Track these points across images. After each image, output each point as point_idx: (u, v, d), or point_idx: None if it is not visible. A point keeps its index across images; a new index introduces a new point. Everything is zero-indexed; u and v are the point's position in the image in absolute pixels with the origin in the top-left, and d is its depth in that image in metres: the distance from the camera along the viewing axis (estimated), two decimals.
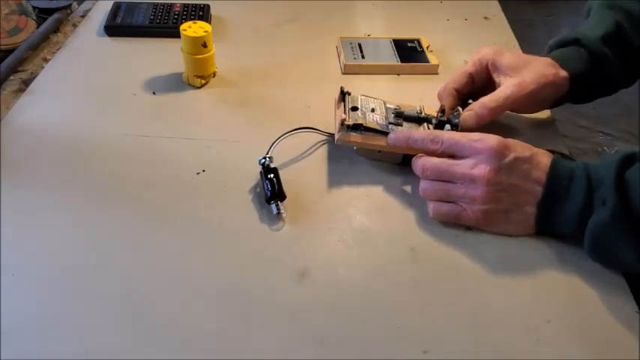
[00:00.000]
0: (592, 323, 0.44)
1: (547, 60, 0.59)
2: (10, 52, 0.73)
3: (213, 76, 0.71)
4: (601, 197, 0.46)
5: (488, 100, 0.56)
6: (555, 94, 0.58)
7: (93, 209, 0.52)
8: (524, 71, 0.57)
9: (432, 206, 0.52)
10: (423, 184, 0.52)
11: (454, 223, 0.52)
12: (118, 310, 0.44)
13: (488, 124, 0.62)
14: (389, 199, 0.55)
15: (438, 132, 0.53)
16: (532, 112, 0.62)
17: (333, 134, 0.58)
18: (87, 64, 0.72)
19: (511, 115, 0.63)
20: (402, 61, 0.74)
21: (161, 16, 0.80)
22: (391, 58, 0.75)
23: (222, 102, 0.67)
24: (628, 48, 0.59)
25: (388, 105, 0.60)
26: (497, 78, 0.58)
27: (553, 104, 0.61)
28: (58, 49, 0.75)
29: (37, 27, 0.78)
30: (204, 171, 0.57)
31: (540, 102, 0.59)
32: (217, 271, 0.47)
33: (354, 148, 0.59)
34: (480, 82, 0.61)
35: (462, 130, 0.57)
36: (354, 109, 0.58)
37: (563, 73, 0.58)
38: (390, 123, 0.57)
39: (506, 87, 0.56)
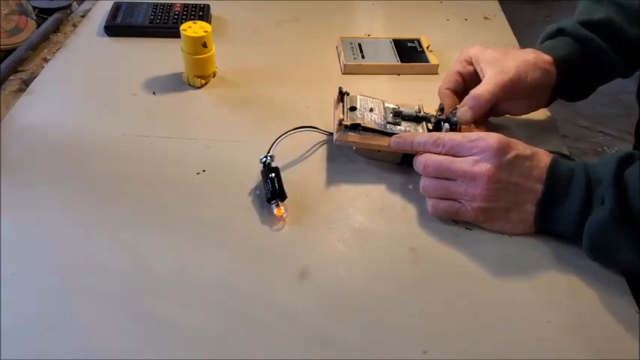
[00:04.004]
0: (592, 323, 0.44)
1: (528, 49, 0.60)
2: (10, 52, 0.73)
3: (213, 76, 0.71)
4: (600, 196, 0.46)
5: (477, 91, 0.56)
6: (543, 79, 0.58)
7: (93, 209, 0.52)
8: (506, 60, 0.58)
9: (431, 203, 0.52)
10: (424, 182, 0.52)
11: (453, 219, 0.52)
12: (117, 310, 0.43)
13: (489, 125, 0.62)
14: (389, 198, 0.55)
15: (440, 134, 0.53)
16: (528, 110, 0.62)
17: (333, 133, 0.58)
18: (87, 64, 0.72)
19: (511, 116, 0.63)
20: (402, 61, 0.74)
21: (161, 16, 0.80)
22: (391, 58, 0.75)
23: (222, 102, 0.67)
24: (622, 37, 0.60)
25: (387, 105, 0.60)
26: (481, 72, 0.59)
27: (548, 98, 0.61)
28: (58, 49, 0.75)
29: (37, 27, 0.78)
30: (204, 171, 0.57)
31: (530, 91, 0.58)
32: (217, 270, 0.47)
33: (353, 147, 0.59)
34: (469, 79, 0.61)
35: (462, 127, 0.58)
36: (353, 109, 0.58)
37: (547, 57, 0.58)
38: (389, 123, 0.57)
39: (490, 76, 0.57)
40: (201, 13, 0.81)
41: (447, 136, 0.52)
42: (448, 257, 0.49)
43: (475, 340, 0.43)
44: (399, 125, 0.58)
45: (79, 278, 0.46)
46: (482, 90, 0.56)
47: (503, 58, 0.58)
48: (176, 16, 0.80)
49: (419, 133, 0.56)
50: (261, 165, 0.55)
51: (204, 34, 0.65)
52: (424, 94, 0.67)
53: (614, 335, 0.44)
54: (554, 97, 0.62)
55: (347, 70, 0.73)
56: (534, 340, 0.43)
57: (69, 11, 0.84)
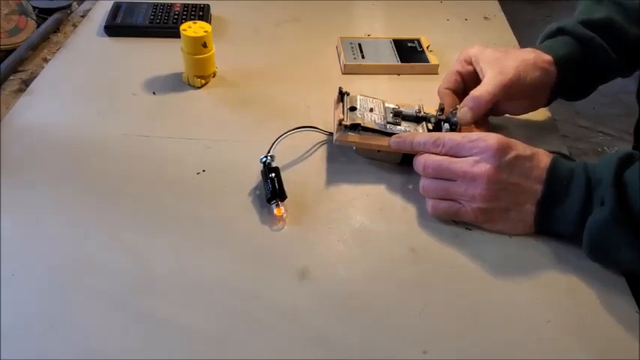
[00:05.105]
0: (592, 323, 0.44)
1: (528, 48, 0.60)
2: (10, 52, 0.73)
3: (213, 76, 0.71)
4: (600, 197, 0.46)
5: (476, 92, 0.56)
6: (543, 79, 0.58)
7: (93, 209, 0.52)
8: (505, 60, 0.58)
9: (430, 203, 0.52)
10: (424, 182, 0.52)
11: (453, 219, 0.52)
12: (117, 310, 0.44)
13: (489, 125, 0.62)
14: (389, 198, 0.55)
15: (440, 134, 0.53)
16: (528, 110, 0.62)
17: (333, 133, 0.58)
18: (87, 64, 0.72)
19: (511, 116, 0.63)
20: (402, 61, 0.74)
21: (161, 16, 0.80)
22: (391, 58, 0.75)
23: (222, 102, 0.67)
24: (622, 37, 0.60)
25: (387, 105, 0.60)
26: (480, 72, 0.59)
27: (547, 98, 0.61)
28: (58, 49, 0.75)
29: (37, 27, 0.78)
30: (204, 171, 0.57)
31: (530, 91, 0.58)
32: (217, 271, 0.47)
33: (353, 147, 0.59)
34: (469, 79, 0.61)
35: (462, 127, 0.58)
36: (353, 109, 0.58)
37: (546, 57, 0.58)
38: (389, 122, 0.57)
39: (490, 77, 0.57)
40: (201, 13, 0.81)
41: (446, 136, 0.52)
42: (448, 257, 0.49)
43: (475, 340, 0.43)
44: (399, 125, 0.58)
45: (79, 278, 0.46)
46: (482, 91, 0.56)
47: (502, 58, 0.58)
48: (176, 16, 0.80)
49: (419, 133, 0.56)
50: (261, 165, 0.55)
51: (204, 34, 0.65)
52: (424, 94, 0.67)
53: (614, 335, 0.44)
54: (554, 96, 0.62)
55: (347, 70, 0.73)
56: (534, 340, 0.43)
57: (69, 11, 0.84)
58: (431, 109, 0.61)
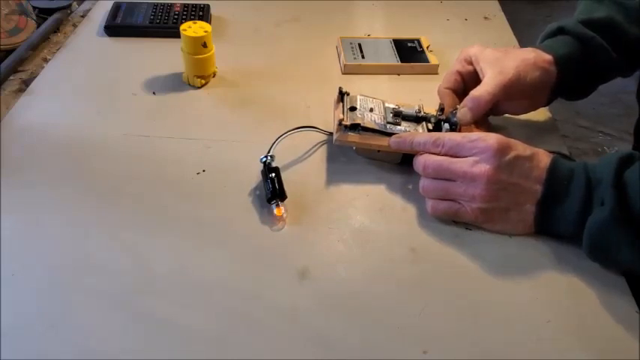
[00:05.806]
0: (592, 323, 0.44)
1: (528, 48, 0.60)
2: (10, 52, 0.73)
3: (213, 76, 0.71)
4: (600, 197, 0.46)
5: (476, 93, 0.56)
6: (543, 78, 0.58)
7: (93, 209, 0.52)
8: (505, 60, 0.58)
9: (430, 203, 0.52)
10: (424, 182, 0.52)
11: (453, 219, 0.52)
12: (117, 310, 0.44)
13: (489, 125, 0.62)
14: (389, 198, 0.55)
15: (440, 134, 0.53)
16: (528, 109, 0.62)
17: (333, 133, 0.58)
18: (87, 64, 0.72)
19: (511, 116, 0.63)
20: (402, 61, 0.74)
21: (161, 16, 0.80)
22: (391, 58, 0.75)
23: (222, 102, 0.67)
24: (623, 37, 0.60)
25: (387, 105, 0.60)
26: (480, 72, 0.59)
27: (547, 97, 0.61)
28: (58, 49, 0.75)
29: (37, 27, 0.78)
30: (204, 171, 0.57)
31: (530, 90, 0.58)
32: (217, 270, 0.47)
33: (353, 147, 0.59)
34: (469, 79, 0.61)
35: (462, 127, 0.58)
36: (353, 109, 0.58)
37: (547, 57, 0.58)
38: (389, 122, 0.57)
39: (490, 76, 0.57)
40: (201, 13, 0.81)
41: (446, 136, 0.52)
42: (448, 257, 0.49)
43: (475, 340, 0.43)
44: (399, 125, 0.58)
45: (79, 278, 0.46)
46: (481, 91, 0.56)
47: (502, 58, 0.58)
48: (176, 16, 0.80)
49: (419, 133, 0.56)
50: (262, 165, 0.55)
51: (204, 34, 0.65)
52: (424, 94, 0.67)
53: (614, 335, 0.44)
54: (554, 96, 0.62)
55: (347, 70, 0.73)
56: (534, 340, 0.43)
57: (69, 11, 0.84)
58: (431, 109, 0.61)
